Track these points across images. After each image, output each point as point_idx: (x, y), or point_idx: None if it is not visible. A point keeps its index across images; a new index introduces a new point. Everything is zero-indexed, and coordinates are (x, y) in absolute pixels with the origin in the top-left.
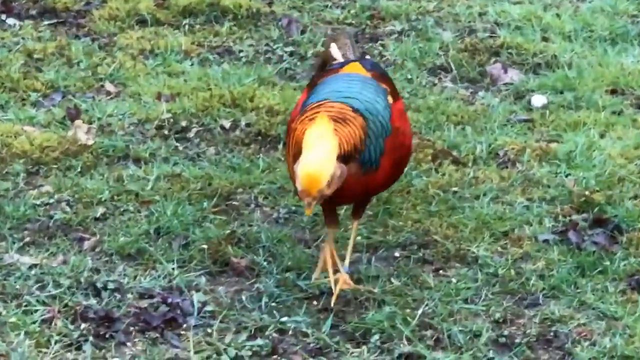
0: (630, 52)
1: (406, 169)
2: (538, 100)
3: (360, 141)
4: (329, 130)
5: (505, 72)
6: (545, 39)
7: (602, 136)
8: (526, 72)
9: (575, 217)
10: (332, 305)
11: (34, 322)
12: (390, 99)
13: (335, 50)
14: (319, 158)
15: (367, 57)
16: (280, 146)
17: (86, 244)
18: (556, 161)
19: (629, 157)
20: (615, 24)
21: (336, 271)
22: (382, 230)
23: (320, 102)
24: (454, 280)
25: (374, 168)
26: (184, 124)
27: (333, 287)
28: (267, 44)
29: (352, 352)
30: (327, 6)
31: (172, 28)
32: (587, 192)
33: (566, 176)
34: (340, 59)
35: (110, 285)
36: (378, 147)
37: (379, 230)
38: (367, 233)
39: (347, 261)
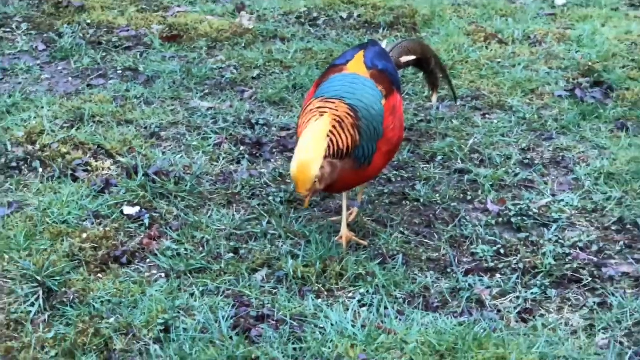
0: None
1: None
2: (560, 0)
3: (354, 143)
4: (322, 133)
5: None
6: None
7: (603, 25)
8: None
9: (581, 80)
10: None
11: (209, 145)
12: (383, 102)
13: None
14: (307, 160)
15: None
16: (381, 31)
17: (246, 94)
18: (570, 42)
19: (621, 40)
20: None
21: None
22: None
23: (332, 99)
24: (495, 121)
25: (366, 164)
26: (315, 14)
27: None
28: None
29: (423, 167)
30: None
31: None
32: (590, 63)
33: (576, 52)
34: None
35: (261, 122)
36: (370, 147)
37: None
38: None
39: (343, 225)
